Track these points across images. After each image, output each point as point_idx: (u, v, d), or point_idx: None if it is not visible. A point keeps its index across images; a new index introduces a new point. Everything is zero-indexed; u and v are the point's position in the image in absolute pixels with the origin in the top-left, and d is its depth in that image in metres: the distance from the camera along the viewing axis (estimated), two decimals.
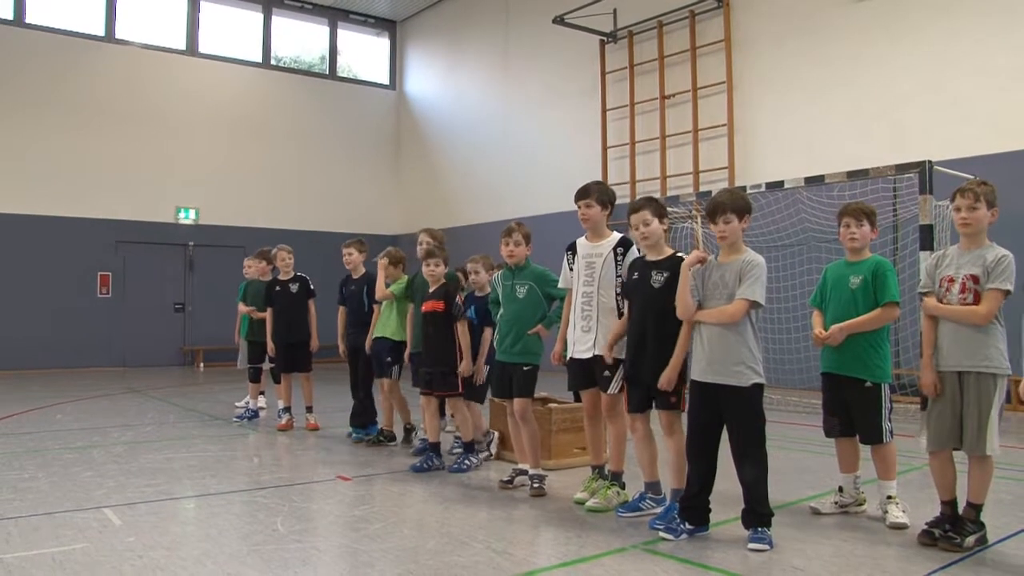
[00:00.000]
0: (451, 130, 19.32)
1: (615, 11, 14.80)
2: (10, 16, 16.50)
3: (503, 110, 17.72)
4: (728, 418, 4.37)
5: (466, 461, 6.30)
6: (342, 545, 4.44)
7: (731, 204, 4.43)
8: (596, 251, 5.22)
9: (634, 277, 4.85)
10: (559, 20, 14.82)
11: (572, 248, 5.40)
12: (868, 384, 4.64)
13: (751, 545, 4.21)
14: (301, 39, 20.42)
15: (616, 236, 5.24)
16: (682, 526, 4.38)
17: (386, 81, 21.21)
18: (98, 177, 16.95)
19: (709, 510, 4.45)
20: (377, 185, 20.54)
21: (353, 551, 4.31)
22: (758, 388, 4.33)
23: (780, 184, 10.33)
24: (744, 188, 11.34)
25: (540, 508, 5.19)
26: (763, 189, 10.54)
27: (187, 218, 18.04)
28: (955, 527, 4.19)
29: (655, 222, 4.78)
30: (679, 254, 4.77)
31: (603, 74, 15.31)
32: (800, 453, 7.10)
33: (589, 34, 15.14)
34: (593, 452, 5.44)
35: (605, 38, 15.24)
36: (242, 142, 18.69)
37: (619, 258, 5.12)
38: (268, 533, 4.68)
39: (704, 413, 4.39)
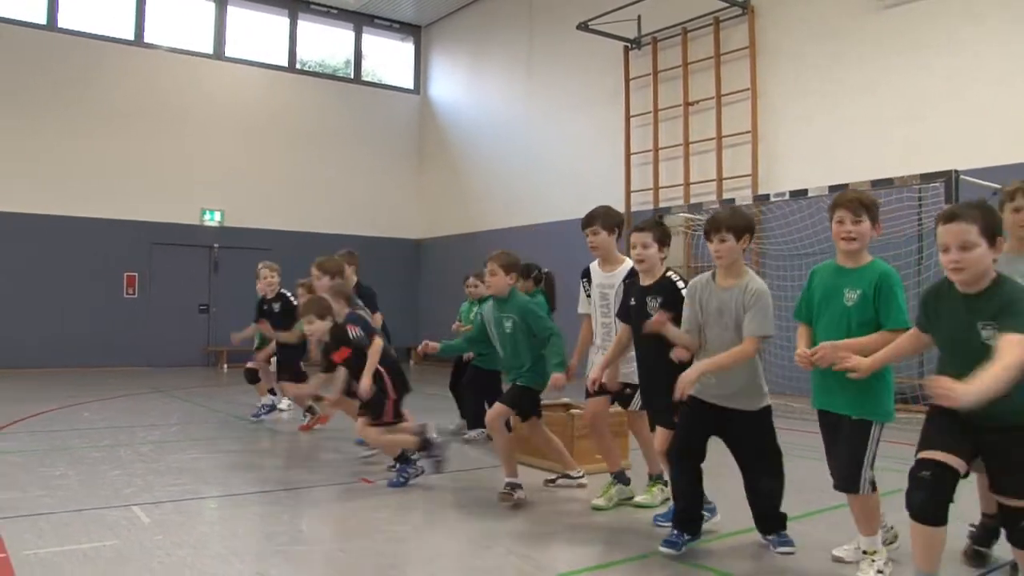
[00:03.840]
0: (474, 135, 19.40)
1: (639, 18, 14.82)
2: (43, 20, 16.76)
3: (526, 115, 17.77)
4: (739, 439, 4.31)
5: (404, 473, 5.93)
6: (365, 547, 4.49)
7: (728, 222, 4.16)
8: (608, 281, 5.22)
9: (632, 303, 4.77)
10: (583, 26, 14.86)
11: (586, 275, 5.41)
12: (853, 417, 3.77)
13: (780, 549, 4.22)
14: (326, 43, 20.57)
15: (627, 265, 5.17)
16: (683, 538, 4.22)
17: (410, 86, 21.32)
18: (125, 179, 17.15)
19: (702, 518, 4.38)
20: (400, 189, 20.65)
21: (377, 553, 4.36)
22: (768, 408, 4.28)
23: (804, 192, 10.32)
24: (768, 196, 11.37)
25: (564, 514, 5.21)
26: (787, 197, 10.54)
27: (212, 220, 18.21)
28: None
29: (654, 248, 4.65)
30: (669, 274, 4.71)
31: (627, 80, 15.33)
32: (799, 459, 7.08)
33: (613, 40, 15.17)
34: (607, 460, 5.46)
35: (629, 44, 15.26)
36: (267, 145, 18.85)
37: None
38: (293, 534, 4.74)
39: (701, 426, 4.24)
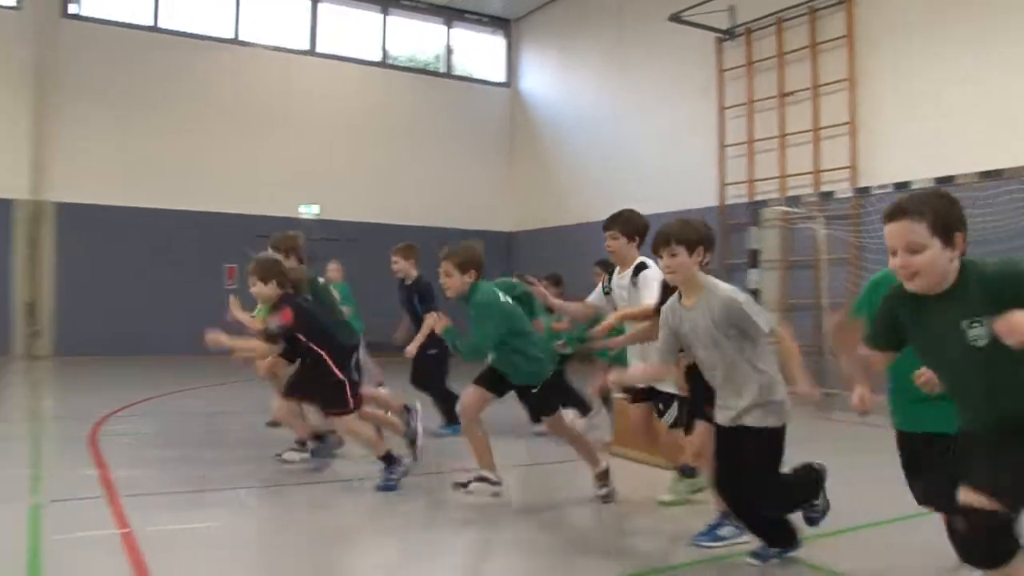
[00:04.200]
0: (565, 128, 19.39)
1: (732, 8, 14.59)
2: (150, 22, 17.44)
3: (617, 108, 17.67)
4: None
5: (391, 476, 5.46)
6: (467, 535, 4.57)
7: (677, 235, 3.83)
8: (622, 283, 5.08)
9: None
10: (675, 18, 14.69)
11: (611, 272, 5.29)
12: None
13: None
14: (417, 38, 20.82)
15: (635, 262, 5.03)
16: (769, 551, 4.00)
17: (500, 79, 21.41)
18: (225, 173, 17.66)
19: (792, 533, 4.00)
20: (492, 182, 20.76)
21: (477, 541, 4.43)
22: (780, 430, 3.86)
23: (907, 185, 10.02)
24: (868, 189, 11.08)
25: (635, 512, 5.17)
26: (890, 190, 10.25)
27: (309, 213, 18.60)
28: None
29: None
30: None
31: (720, 72, 15.12)
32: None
33: (705, 31, 14.96)
34: (666, 455, 5.36)
35: (722, 35, 15.04)
36: (361, 139, 19.17)
37: (636, 286, 4.94)
38: (399, 519, 4.85)
39: (728, 453, 3.89)
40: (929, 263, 2.67)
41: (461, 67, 21.19)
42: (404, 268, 7.85)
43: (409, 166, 19.55)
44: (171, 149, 17.21)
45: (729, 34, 14.93)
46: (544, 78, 20.40)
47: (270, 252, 6.47)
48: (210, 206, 17.54)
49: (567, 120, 19.32)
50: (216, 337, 5.79)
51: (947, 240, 2.67)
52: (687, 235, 3.83)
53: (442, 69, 20.84)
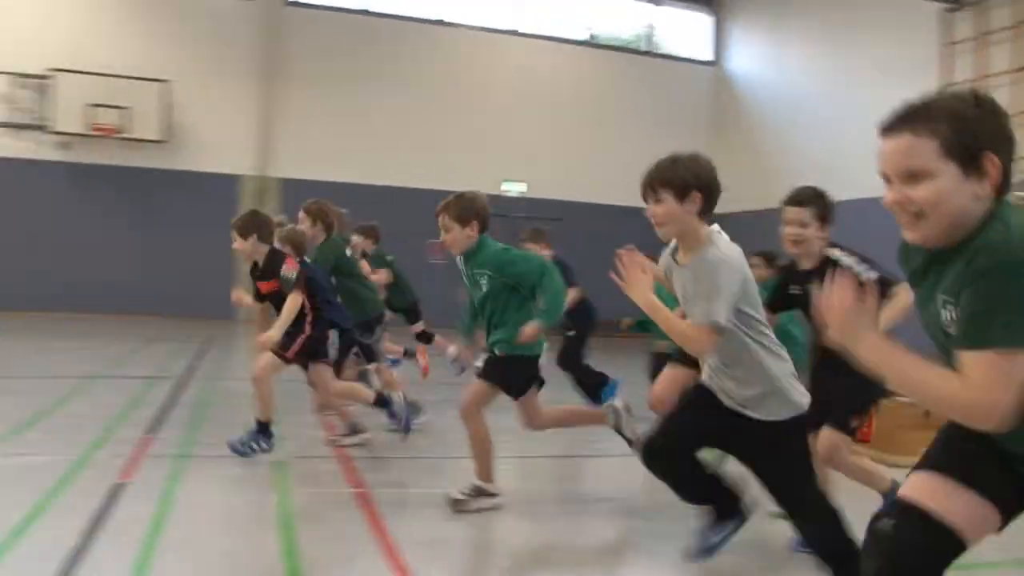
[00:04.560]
0: (772, 108, 18.76)
1: None
2: (363, 6, 18.32)
3: (827, 87, 16.92)
4: (751, 459, 3.30)
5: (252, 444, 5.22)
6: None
7: (662, 176, 3.10)
8: None
9: (794, 293, 3.98)
10: None
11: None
12: None
13: None
14: (622, 16, 20.69)
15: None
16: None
17: (706, 58, 20.94)
18: (433, 151, 18.26)
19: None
20: None
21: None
22: (799, 420, 3.22)
23: None
24: None
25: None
26: None
27: (513, 191, 18.91)
28: None
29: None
30: (834, 253, 3.88)
31: (946, 46, 14.15)
32: None
33: (928, 2, 14.02)
34: None
35: (950, 6, 14.05)
36: (564, 118, 19.32)
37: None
38: (574, 499, 4.90)
39: (696, 422, 3.33)
40: (937, 198, 1.78)
41: (664, 45, 20.89)
42: (534, 252, 7.91)
43: (611, 145, 19.46)
44: (383, 128, 17.99)
45: (958, 4, 13.95)
46: (752, 56, 19.80)
47: (301, 216, 6.62)
48: (419, 182, 18.11)
49: (774, 99, 18.70)
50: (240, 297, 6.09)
51: (969, 166, 1.78)
52: (676, 177, 3.08)
53: (644, 47, 20.63)
